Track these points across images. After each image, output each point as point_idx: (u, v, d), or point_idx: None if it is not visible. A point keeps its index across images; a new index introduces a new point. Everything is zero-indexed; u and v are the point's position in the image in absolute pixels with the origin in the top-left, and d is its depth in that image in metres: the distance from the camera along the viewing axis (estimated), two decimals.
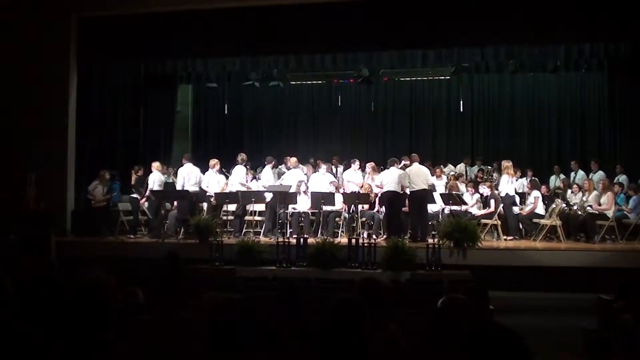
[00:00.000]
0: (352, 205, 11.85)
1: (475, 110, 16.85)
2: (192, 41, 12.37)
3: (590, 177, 13.13)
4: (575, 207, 11.87)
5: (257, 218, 12.60)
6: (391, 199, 11.23)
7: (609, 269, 9.47)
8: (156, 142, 14.76)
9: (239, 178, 12.48)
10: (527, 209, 12.00)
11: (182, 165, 12.51)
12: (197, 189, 12.23)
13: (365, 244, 9.83)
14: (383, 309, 3.40)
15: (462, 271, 9.22)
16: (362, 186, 12.39)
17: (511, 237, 11.57)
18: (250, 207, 12.24)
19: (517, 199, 12.23)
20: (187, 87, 16.99)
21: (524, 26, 11.20)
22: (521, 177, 13.32)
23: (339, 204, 11.93)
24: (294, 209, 12.05)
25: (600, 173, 13.26)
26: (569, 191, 12.95)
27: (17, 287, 3.29)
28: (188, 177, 12.19)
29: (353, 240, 10.05)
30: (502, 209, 11.65)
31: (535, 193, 12.07)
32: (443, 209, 11.94)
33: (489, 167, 14.44)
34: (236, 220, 12.20)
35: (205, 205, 12.54)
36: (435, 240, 10.08)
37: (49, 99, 12.17)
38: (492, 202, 11.74)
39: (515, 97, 16.62)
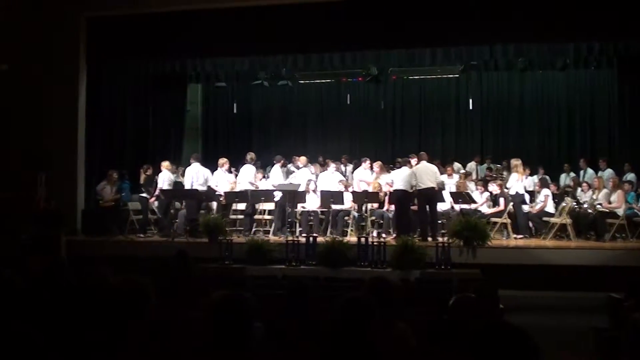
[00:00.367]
0: (363, 204, 11.85)
1: (485, 108, 16.77)
2: (201, 41, 12.39)
3: (599, 175, 13.07)
4: (585, 206, 11.81)
5: (266, 217, 12.62)
6: (400, 197, 11.21)
7: (619, 268, 9.44)
8: (166, 141, 14.83)
9: (248, 177, 12.50)
10: (537, 207, 11.96)
11: (190, 165, 12.55)
12: (204, 188, 12.27)
13: (375, 243, 9.82)
14: (392, 308, 3.40)
15: (472, 270, 9.18)
16: (373, 185, 12.39)
17: (521, 236, 11.52)
18: (260, 206, 12.26)
19: (527, 197, 12.19)
20: (196, 87, 17.04)
21: (532, 24, 11.14)
22: (531, 175, 13.27)
23: (348, 202, 11.93)
24: (303, 207, 12.07)
25: (610, 171, 13.21)
26: (579, 189, 12.89)
27: (26, 286, 3.32)
28: (196, 176, 12.23)
29: (362, 239, 10.04)
30: (511, 208, 11.61)
31: (545, 191, 12.02)
32: (452, 208, 11.93)
33: (499, 166, 14.39)
34: (246, 219, 12.22)
35: (214, 204, 12.59)
36: (445, 239, 10.06)
37: (59, 99, 12.22)
38: (502, 200, 11.70)
39: (525, 95, 16.52)
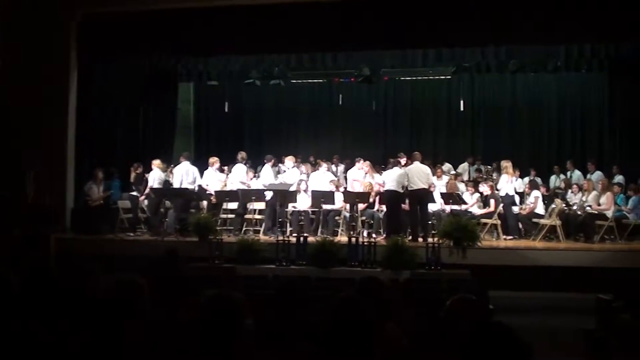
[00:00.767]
0: (354, 204, 11.86)
1: (476, 109, 16.85)
2: (193, 39, 12.37)
3: (587, 177, 13.15)
4: (574, 207, 11.87)
5: (257, 216, 12.60)
6: (391, 198, 11.24)
7: (607, 269, 9.48)
8: (157, 140, 14.75)
9: (239, 176, 12.48)
10: (526, 208, 12.02)
11: (179, 164, 12.52)
12: (193, 187, 12.25)
13: (365, 243, 9.83)
14: (383, 308, 3.40)
15: (462, 270, 9.22)
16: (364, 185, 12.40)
17: (511, 237, 11.57)
18: (251, 206, 12.25)
19: (517, 198, 12.24)
20: (188, 85, 16.98)
21: (524, 26, 11.19)
22: (522, 177, 13.33)
23: (339, 202, 11.94)
24: (294, 207, 12.06)
25: (599, 173, 13.29)
26: (569, 191, 12.96)
27: (17, 285, 3.30)
28: (186, 175, 12.19)
29: (353, 239, 10.04)
30: (501, 209, 11.66)
31: (536, 193, 12.09)
32: (443, 209, 11.96)
33: (489, 167, 14.44)
34: (236, 219, 12.20)
35: (205, 203, 12.55)
36: (435, 239, 10.08)
37: (50, 96, 12.14)
38: (492, 201, 11.75)
39: (516, 97, 16.61)
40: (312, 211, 12.07)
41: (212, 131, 18.06)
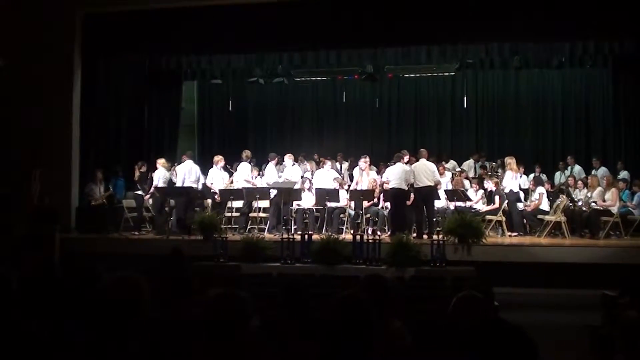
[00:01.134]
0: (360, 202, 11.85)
1: (480, 106, 16.82)
2: (196, 38, 12.37)
3: (593, 173, 13.11)
4: (579, 204, 11.85)
5: (261, 215, 12.61)
6: (395, 195, 11.22)
7: (613, 265, 9.45)
8: (161, 138, 14.79)
9: (243, 175, 12.49)
10: (531, 204, 12.00)
11: (182, 162, 12.52)
12: (196, 186, 12.27)
13: (370, 241, 9.82)
14: (387, 306, 3.40)
15: (467, 267, 9.18)
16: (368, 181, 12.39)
17: (515, 233, 11.57)
18: (255, 204, 12.26)
19: (522, 195, 12.22)
20: (192, 84, 17.01)
21: (528, 22, 11.16)
22: (527, 173, 13.30)
23: (343, 200, 11.93)
24: (298, 205, 12.06)
25: (603, 169, 13.27)
26: (575, 188, 12.92)
27: (19, 285, 3.31)
28: (189, 173, 12.20)
29: (357, 237, 10.03)
30: (506, 205, 11.64)
31: (540, 189, 12.08)
32: (448, 206, 11.94)
33: (493, 164, 14.43)
34: (241, 217, 12.21)
35: (209, 201, 12.56)
36: (440, 236, 10.06)
37: (53, 96, 12.16)
38: (497, 198, 11.74)
39: (520, 94, 16.56)
40: (316, 209, 12.07)
41: (216, 130, 18.07)
